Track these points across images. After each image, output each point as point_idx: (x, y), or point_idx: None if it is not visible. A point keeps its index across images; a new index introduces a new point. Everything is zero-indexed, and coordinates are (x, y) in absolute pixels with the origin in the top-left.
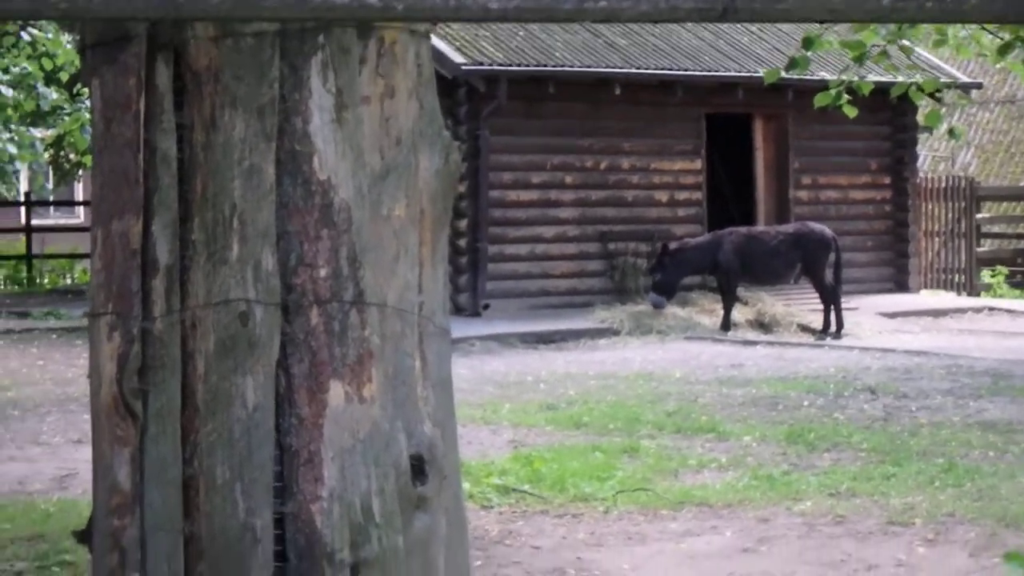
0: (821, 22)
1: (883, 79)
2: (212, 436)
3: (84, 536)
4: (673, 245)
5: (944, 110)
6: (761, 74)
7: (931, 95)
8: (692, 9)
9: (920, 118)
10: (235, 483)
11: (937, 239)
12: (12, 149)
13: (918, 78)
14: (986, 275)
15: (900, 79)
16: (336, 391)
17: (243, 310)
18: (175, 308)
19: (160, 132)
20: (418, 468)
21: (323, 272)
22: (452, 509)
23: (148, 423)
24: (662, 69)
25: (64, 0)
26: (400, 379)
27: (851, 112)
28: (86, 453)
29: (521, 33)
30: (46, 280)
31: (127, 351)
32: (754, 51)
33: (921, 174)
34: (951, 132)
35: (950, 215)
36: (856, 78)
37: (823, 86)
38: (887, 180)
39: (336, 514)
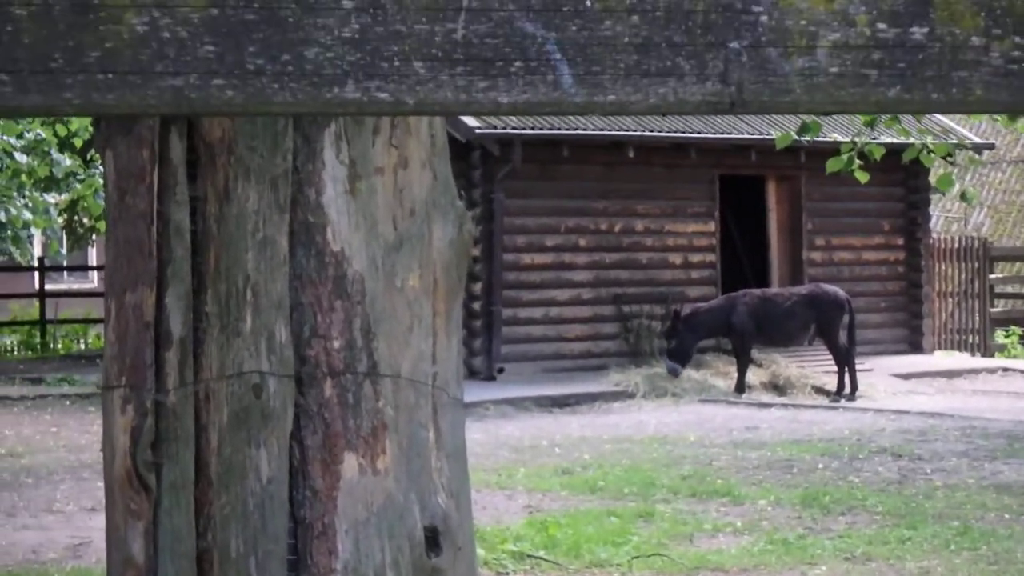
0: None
1: (895, 141)
2: (226, 509)
3: None
4: (686, 310)
5: (956, 171)
6: (774, 137)
7: (943, 157)
8: (700, 102)
9: (932, 179)
10: (249, 556)
11: (951, 300)
12: (26, 215)
13: (930, 140)
14: (1000, 336)
15: (912, 141)
16: (350, 463)
17: (257, 382)
18: (188, 380)
19: (174, 204)
20: (432, 540)
21: (337, 344)
22: None
23: (162, 496)
24: (675, 132)
25: (78, 97)
26: (414, 450)
27: (863, 177)
28: (100, 521)
29: None
30: (60, 345)
31: (141, 424)
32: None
33: (934, 235)
34: (963, 196)
35: (963, 276)
36: (867, 141)
37: (836, 148)
38: (900, 241)
39: None
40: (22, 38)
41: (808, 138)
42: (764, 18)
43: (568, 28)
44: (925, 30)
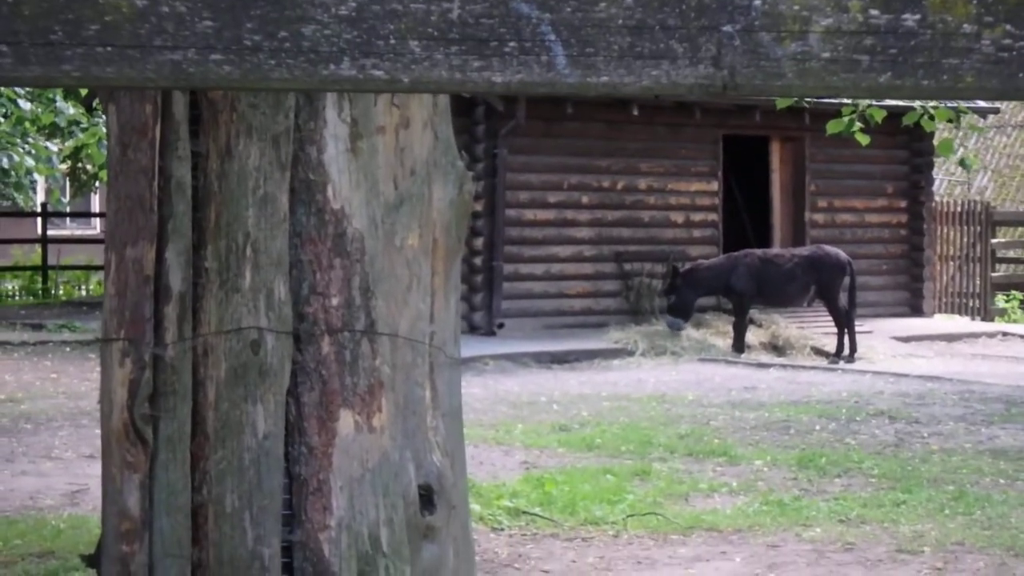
0: (820, 98)
1: (897, 104)
2: (222, 464)
3: (93, 560)
4: (685, 266)
5: (961, 134)
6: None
7: (947, 120)
8: (693, 85)
9: (937, 143)
10: (244, 511)
11: (952, 263)
12: (29, 162)
13: (932, 105)
14: (1001, 300)
15: (914, 104)
16: (346, 420)
17: (255, 338)
18: (187, 335)
19: (175, 159)
20: (427, 498)
21: (335, 301)
22: (460, 539)
23: (158, 449)
24: None
25: (77, 69)
26: (410, 409)
27: (864, 140)
28: (97, 468)
29: None
30: (61, 291)
31: (138, 377)
32: None
33: (937, 198)
34: (962, 162)
35: (965, 239)
36: (869, 104)
37: (839, 109)
38: (903, 204)
39: (344, 543)
40: (23, 10)
41: (811, 98)
42: (757, 2)
43: (563, 9)
44: (917, 17)
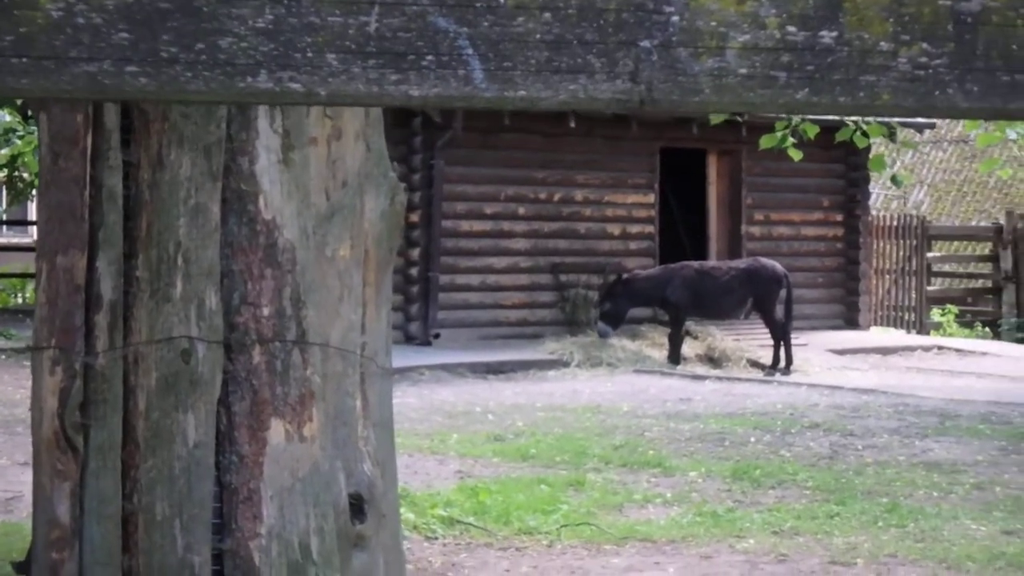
0: (736, 114)
1: (830, 119)
2: (152, 472)
3: (23, 567)
4: (626, 276)
5: (898, 149)
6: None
7: (889, 136)
8: (610, 100)
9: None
10: (175, 519)
11: (888, 277)
12: None
13: (865, 121)
14: (936, 314)
15: (846, 120)
16: (277, 430)
17: (186, 347)
18: (118, 344)
19: (107, 169)
20: (357, 507)
21: (266, 311)
22: (390, 548)
23: (89, 458)
24: None
25: None
26: (341, 419)
27: (796, 155)
28: (32, 476)
29: None
30: None
31: (69, 386)
32: None
33: (873, 212)
34: (894, 179)
35: (901, 253)
36: (802, 119)
37: (774, 124)
38: (839, 217)
39: (274, 552)
40: None
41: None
42: (675, 18)
43: (480, 24)
44: (835, 34)
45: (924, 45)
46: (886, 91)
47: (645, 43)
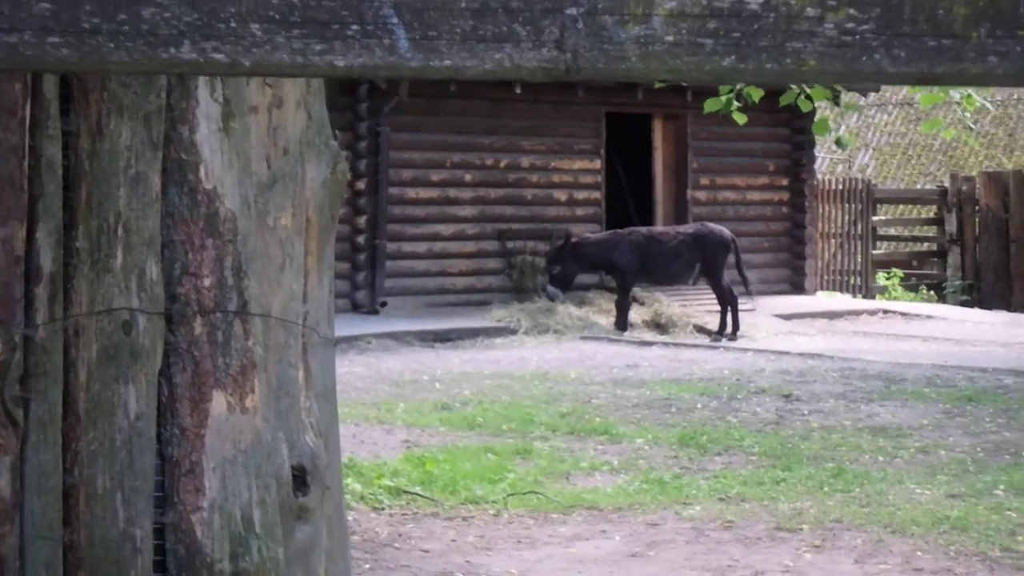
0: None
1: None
2: (93, 445)
3: None
4: (574, 239)
5: (842, 112)
6: None
7: (834, 100)
8: (536, 68)
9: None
10: (116, 492)
11: (833, 241)
12: None
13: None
14: (881, 277)
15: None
16: (218, 401)
17: (126, 319)
18: (58, 316)
19: (46, 138)
20: (300, 479)
21: (207, 282)
22: (334, 519)
23: (29, 431)
24: None
25: None
26: (283, 390)
27: (740, 119)
28: None
29: None
30: None
31: (9, 359)
32: None
33: (819, 176)
34: (838, 141)
35: (847, 217)
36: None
37: (718, 88)
38: (785, 182)
39: (216, 525)
40: None
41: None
42: None
43: None
44: (761, 0)
45: (851, 11)
46: (812, 57)
47: (571, 11)
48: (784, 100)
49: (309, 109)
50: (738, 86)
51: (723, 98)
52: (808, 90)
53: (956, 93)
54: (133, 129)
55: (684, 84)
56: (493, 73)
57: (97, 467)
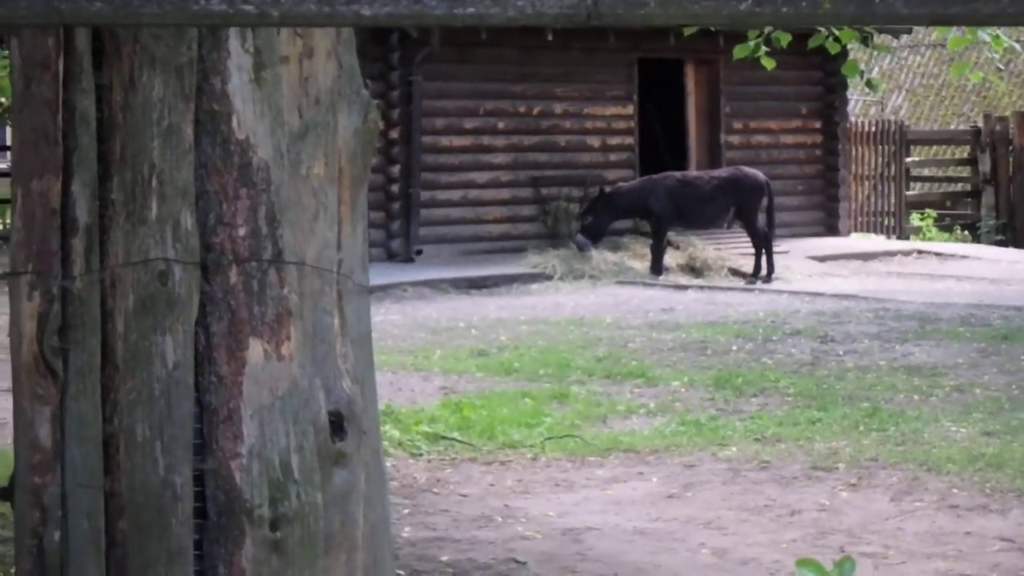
0: (683, 25)
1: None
2: (132, 394)
3: (6, 492)
4: (609, 190)
5: (871, 54)
6: None
7: (863, 40)
8: (557, 15)
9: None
10: (155, 440)
11: (867, 183)
12: None
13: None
14: (915, 218)
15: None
16: (255, 349)
17: (162, 269)
18: (95, 267)
19: (79, 92)
20: (337, 425)
21: (242, 231)
22: (371, 464)
23: (68, 381)
24: None
25: None
26: (319, 337)
27: (769, 64)
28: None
29: None
30: None
31: (47, 310)
32: None
33: (852, 118)
34: (868, 84)
35: (880, 159)
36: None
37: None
38: (818, 124)
39: (255, 471)
40: None
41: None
42: None
43: None
44: None
45: None
46: (827, 1)
47: None
48: (813, 42)
49: (340, 59)
50: (766, 30)
51: (751, 43)
52: (836, 32)
53: (985, 34)
54: (165, 81)
55: (712, 29)
56: (516, 20)
57: (136, 416)
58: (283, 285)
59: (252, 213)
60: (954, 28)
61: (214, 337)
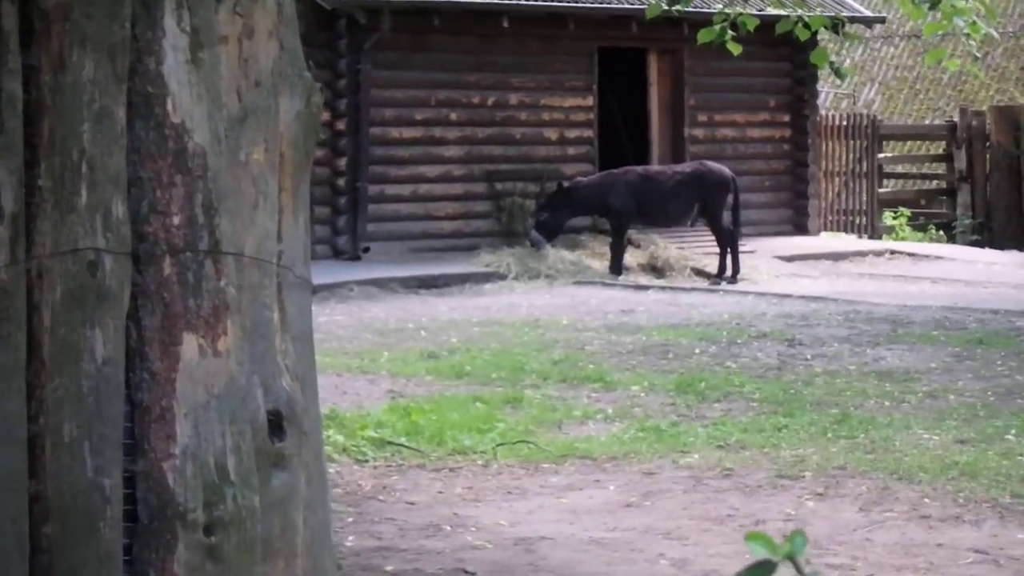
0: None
1: (771, 13)
2: (59, 391)
3: None
4: (567, 184)
5: (843, 43)
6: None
7: (828, 29)
8: None
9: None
10: (83, 441)
11: (838, 179)
12: None
13: (809, 13)
14: (888, 217)
15: (798, 12)
16: (190, 344)
17: (92, 260)
18: (20, 258)
19: (6, 73)
20: (276, 424)
21: (177, 220)
22: (312, 467)
23: None
24: (553, 1)
25: None
26: (258, 332)
27: (735, 49)
28: None
29: None
30: None
31: None
32: None
33: (822, 111)
34: (836, 72)
35: (851, 154)
36: (740, 12)
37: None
38: (786, 118)
39: (189, 473)
40: None
41: (679, 8)
42: None
43: None
44: None
45: None
46: None
47: None
48: (780, 28)
49: (281, 39)
50: (732, 14)
51: (716, 27)
52: (806, 18)
53: (961, 21)
54: (97, 61)
55: (677, 14)
56: None
57: (63, 414)
58: (220, 277)
59: (188, 201)
60: (929, 14)
61: (146, 332)
